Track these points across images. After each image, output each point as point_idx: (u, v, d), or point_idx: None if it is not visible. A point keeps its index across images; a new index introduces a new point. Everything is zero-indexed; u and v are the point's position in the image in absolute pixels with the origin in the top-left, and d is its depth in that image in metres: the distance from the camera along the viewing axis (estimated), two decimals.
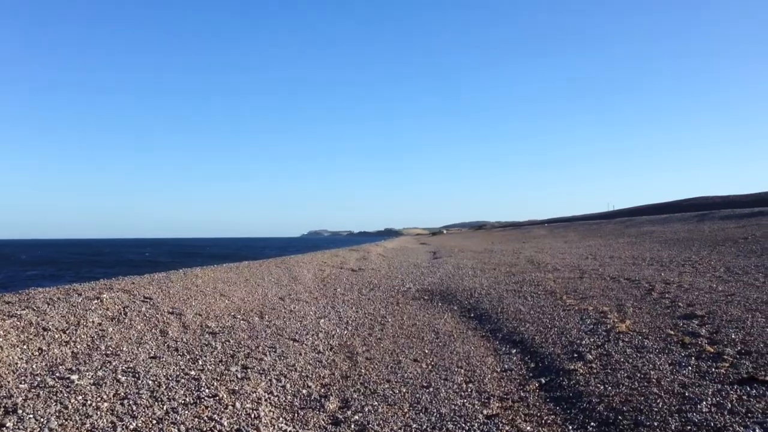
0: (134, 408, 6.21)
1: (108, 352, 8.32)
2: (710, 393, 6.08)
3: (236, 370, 7.81)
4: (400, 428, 6.00)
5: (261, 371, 7.85)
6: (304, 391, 7.13)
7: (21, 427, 5.54)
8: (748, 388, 6.09)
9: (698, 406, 5.76)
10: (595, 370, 7.35)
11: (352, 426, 6.08)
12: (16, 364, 7.46)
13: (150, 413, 6.10)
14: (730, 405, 5.71)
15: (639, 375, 6.94)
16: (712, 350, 7.61)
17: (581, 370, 7.41)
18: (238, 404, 6.52)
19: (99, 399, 6.41)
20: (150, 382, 7.09)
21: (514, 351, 8.98)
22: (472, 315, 12.31)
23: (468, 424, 6.06)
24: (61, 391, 6.55)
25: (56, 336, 8.74)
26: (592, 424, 5.81)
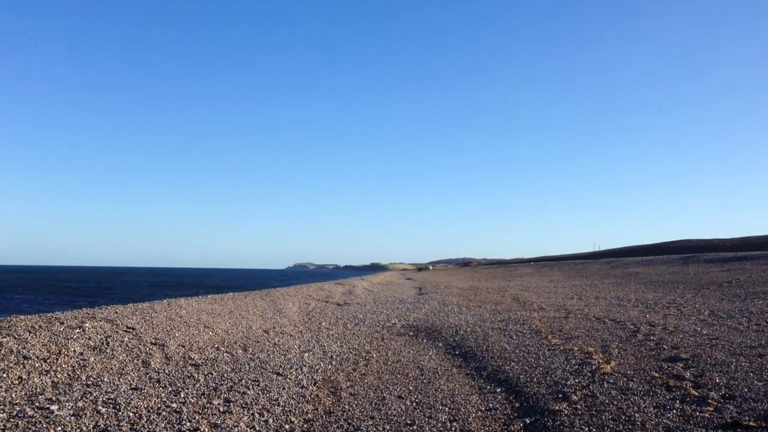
0: None
1: (89, 383, 8.21)
2: None
3: (218, 404, 7.72)
4: None
5: (243, 405, 7.77)
6: (286, 427, 7.05)
7: None
8: None
9: None
10: (579, 412, 7.33)
11: None
12: None
13: None
14: None
15: (624, 417, 6.93)
16: (697, 394, 7.63)
17: (566, 411, 7.39)
18: None
19: (78, 430, 6.31)
20: (131, 414, 7.00)
21: (498, 390, 8.94)
22: (457, 352, 12.26)
23: None
24: (40, 422, 6.45)
25: (37, 365, 8.62)
26: None
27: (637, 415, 6.98)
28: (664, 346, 11.01)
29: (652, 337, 12.11)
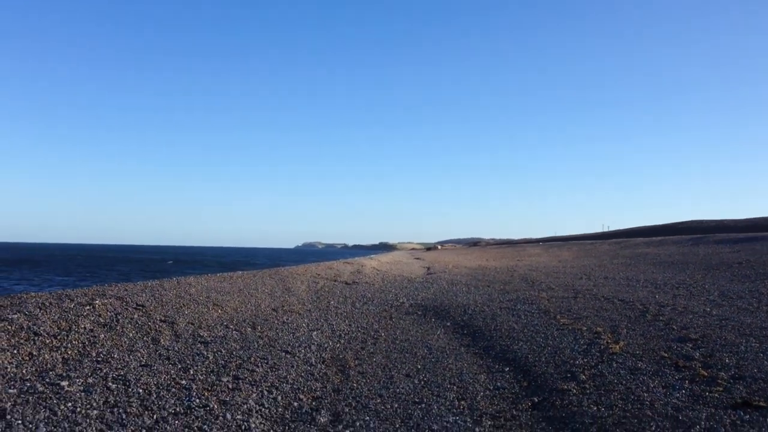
0: (124, 416, 6.16)
1: (99, 359, 8.25)
2: (704, 417, 6.06)
3: (227, 381, 7.75)
4: None
5: (252, 382, 7.80)
6: (295, 404, 7.08)
7: None
8: (742, 413, 6.07)
9: (691, 430, 5.74)
10: (588, 391, 7.32)
11: None
12: (6, 368, 7.39)
13: (139, 422, 6.05)
14: (723, 430, 5.69)
15: (632, 397, 6.91)
16: (706, 374, 7.60)
17: (574, 391, 7.38)
18: (228, 415, 6.47)
19: (88, 406, 6.35)
20: (140, 390, 7.04)
21: (506, 369, 8.94)
22: (465, 331, 12.27)
23: None
24: (50, 397, 6.49)
25: (47, 341, 8.67)
26: None
27: (645, 394, 6.97)
28: (674, 327, 10.97)
29: (661, 318, 12.07)
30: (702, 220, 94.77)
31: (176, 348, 9.40)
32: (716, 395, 6.74)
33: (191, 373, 8.01)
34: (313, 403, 7.15)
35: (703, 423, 5.89)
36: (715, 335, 9.97)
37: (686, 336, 10.04)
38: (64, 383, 7.00)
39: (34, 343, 8.48)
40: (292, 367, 8.86)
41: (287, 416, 6.66)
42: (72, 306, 10.76)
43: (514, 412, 6.88)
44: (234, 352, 9.45)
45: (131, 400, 6.68)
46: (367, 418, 6.69)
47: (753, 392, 6.73)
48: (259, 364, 8.80)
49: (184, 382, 7.54)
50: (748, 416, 5.98)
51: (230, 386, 7.53)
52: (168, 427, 5.97)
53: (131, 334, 9.82)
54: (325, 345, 10.61)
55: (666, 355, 8.82)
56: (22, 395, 6.49)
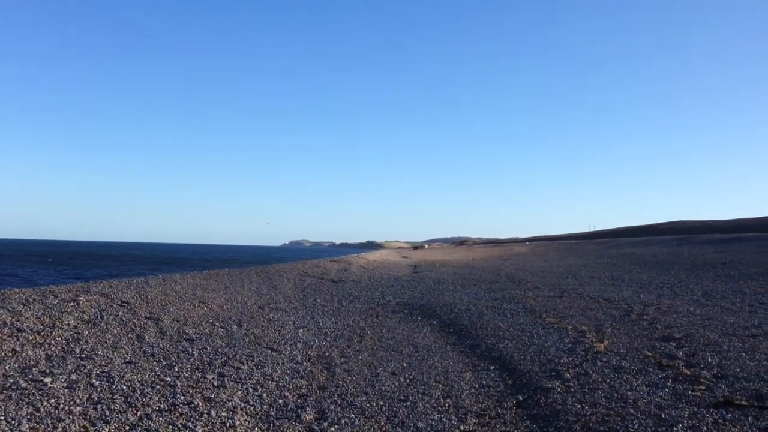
0: (107, 413, 6.13)
1: (83, 356, 8.20)
2: (686, 416, 6.11)
3: (212, 378, 7.73)
4: None
5: (237, 380, 7.78)
6: (280, 401, 7.07)
7: None
8: (724, 412, 6.13)
9: (674, 429, 5.78)
10: (572, 389, 7.36)
11: None
12: None
13: (123, 419, 6.02)
14: (705, 428, 5.74)
15: (616, 395, 6.96)
16: (689, 373, 7.66)
17: (559, 389, 7.42)
18: (213, 412, 6.45)
19: (72, 403, 6.31)
20: (124, 387, 7.00)
21: (492, 367, 8.98)
22: (451, 330, 12.30)
23: None
24: (33, 394, 6.45)
25: (30, 337, 8.61)
26: None
27: (629, 393, 7.02)
28: (657, 326, 11.06)
29: (645, 317, 12.16)
30: (687, 221, 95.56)
31: (161, 345, 9.36)
32: (699, 394, 6.80)
33: (176, 370, 7.98)
34: (299, 401, 7.14)
35: (685, 421, 5.94)
36: (699, 334, 10.05)
37: (670, 335, 10.12)
38: (48, 380, 6.95)
39: (17, 340, 8.42)
40: (278, 364, 8.84)
41: (272, 414, 6.65)
42: (56, 302, 10.69)
43: (499, 410, 6.91)
44: (219, 350, 9.42)
45: (115, 396, 6.64)
46: (353, 415, 6.70)
47: (735, 391, 6.79)
48: (245, 362, 8.78)
49: (168, 379, 7.51)
50: (730, 415, 6.04)
51: (215, 383, 7.51)
52: (152, 424, 5.95)
53: (116, 331, 9.77)
54: (311, 343, 10.60)
55: (650, 354, 8.89)
56: (5, 391, 6.44)
